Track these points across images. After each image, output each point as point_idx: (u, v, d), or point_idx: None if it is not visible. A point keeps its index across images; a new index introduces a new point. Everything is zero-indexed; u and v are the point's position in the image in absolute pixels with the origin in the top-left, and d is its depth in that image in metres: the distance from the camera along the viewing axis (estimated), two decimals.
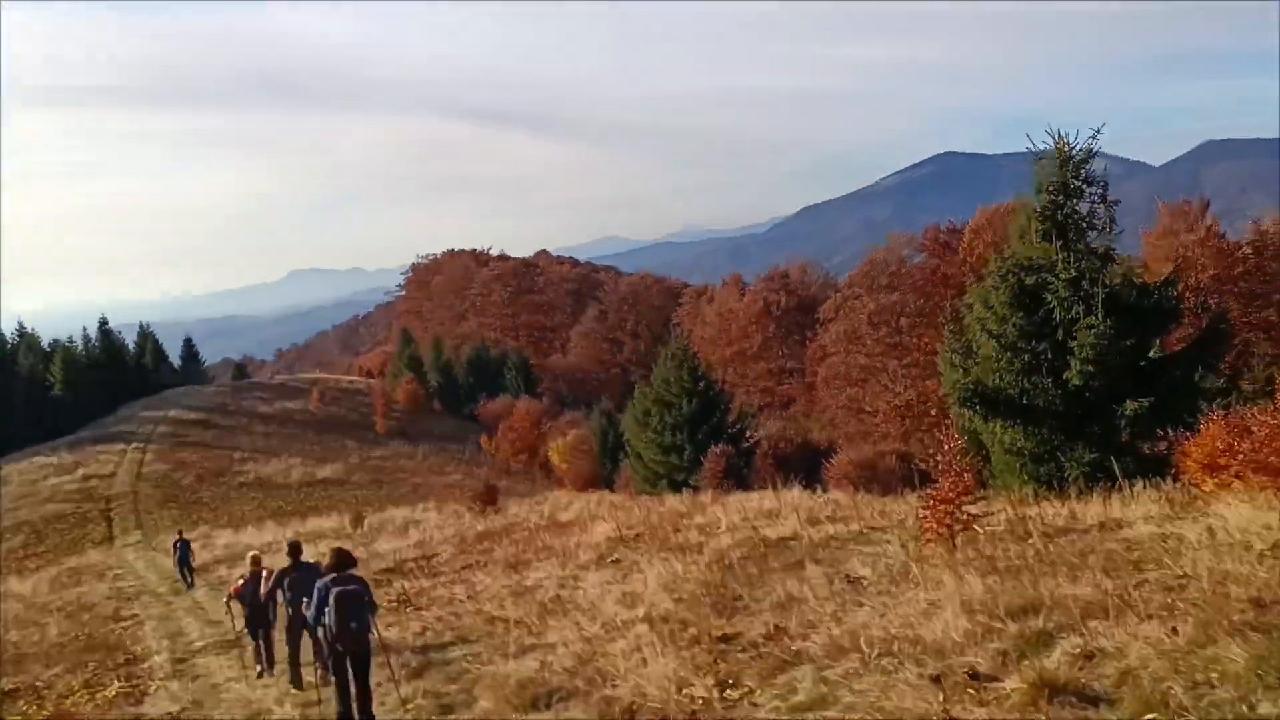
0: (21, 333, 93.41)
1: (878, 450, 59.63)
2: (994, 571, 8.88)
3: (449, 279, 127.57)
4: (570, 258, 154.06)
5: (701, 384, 45.19)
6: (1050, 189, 19.55)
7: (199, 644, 17.33)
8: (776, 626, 8.21)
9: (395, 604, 16.58)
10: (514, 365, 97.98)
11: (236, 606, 14.45)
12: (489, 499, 31.90)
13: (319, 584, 9.22)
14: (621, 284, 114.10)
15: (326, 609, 8.91)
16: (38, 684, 16.89)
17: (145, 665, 16.30)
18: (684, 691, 6.96)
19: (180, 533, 31.27)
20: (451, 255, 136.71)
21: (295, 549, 12.58)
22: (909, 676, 6.09)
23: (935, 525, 11.87)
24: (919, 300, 66.47)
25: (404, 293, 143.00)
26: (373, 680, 9.47)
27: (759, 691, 6.76)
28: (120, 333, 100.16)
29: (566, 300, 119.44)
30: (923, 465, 51.08)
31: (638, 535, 19.29)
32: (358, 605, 9.04)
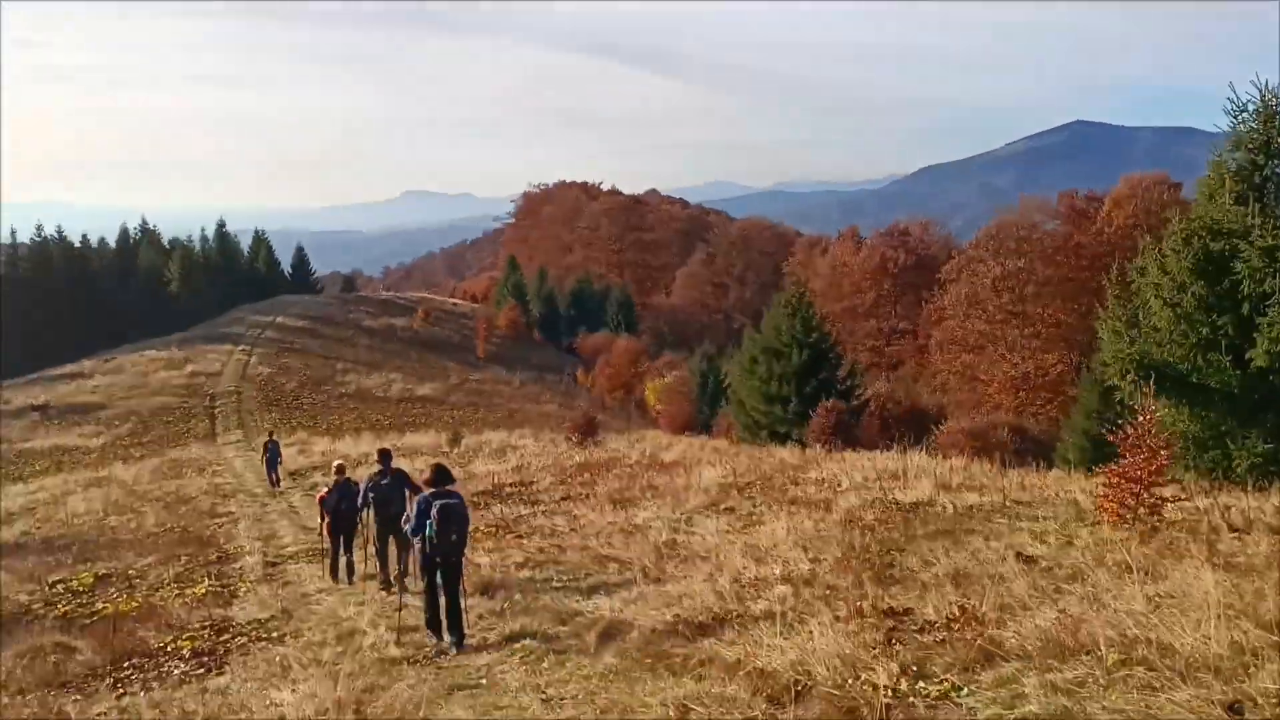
0: (144, 228, 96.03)
1: (989, 421, 56.82)
2: (1224, 567, 7.37)
3: (559, 210, 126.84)
4: (680, 199, 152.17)
5: (814, 335, 43.40)
6: (1250, 146, 17.32)
7: (291, 549, 16.76)
8: (962, 608, 6.87)
9: (494, 530, 15.69)
10: (616, 301, 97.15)
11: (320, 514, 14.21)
12: (588, 431, 30.99)
13: (420, 497, 9.39)
14: (732, 228, 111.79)
15: (428, 521, 9.04)
16: (130, 572, 16.57)
17: (237, 565, 15.77)
18: (862, 677, 5.70)
19: (270, 433, 31.44)
20: (563, 186, 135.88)
21: (385, 456, 12.77)
22: (1185, 699, 4.72)
23: (1116, 506, 10.30)
24: (1047, 269, 63.26)
25: (513, 220, 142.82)
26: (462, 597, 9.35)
27: (966, 690, 5.45)
28: (236, 236, 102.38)
29: (675, 240, 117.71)
30: (1040, 438, 48.59)
31: (749, 484, 18.04)
32: (459, 518, 9.23)
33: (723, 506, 15.26)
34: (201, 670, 8.90)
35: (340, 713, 6.63)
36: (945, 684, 5.52)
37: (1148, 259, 18.24)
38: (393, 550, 12.35)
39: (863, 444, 34.20)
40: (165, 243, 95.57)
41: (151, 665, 9.20)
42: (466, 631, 9.07)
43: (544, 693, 6.97)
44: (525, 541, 14.00)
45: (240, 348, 68.41)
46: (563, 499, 18.68)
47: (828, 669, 5.76)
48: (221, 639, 10.01)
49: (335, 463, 15.79)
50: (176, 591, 13.85)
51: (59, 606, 14.43)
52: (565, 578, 11.11)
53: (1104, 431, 12.21)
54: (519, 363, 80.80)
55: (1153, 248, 18.20)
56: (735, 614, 8.17)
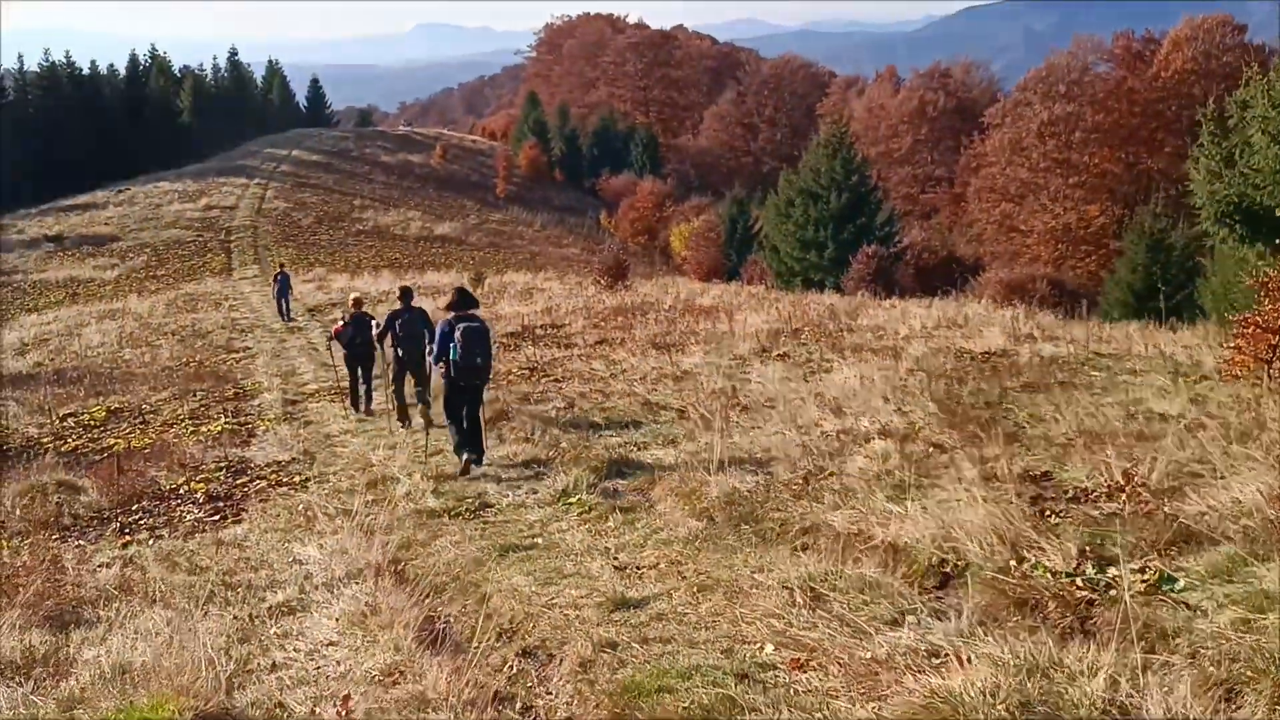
0: (154, 56, 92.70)
1: (1028, 273, 55.10)
2: None
3: (582, 44, 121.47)
4: (709, 36, 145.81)
5: (854, 178, 41.51)
6: None
7: (312, 386, 15.80)
8: (1126, 474, 5.72)
9: (527, 372, 14.62)
10: (641, 141, 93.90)
11: (336, 347, 13.99)
12: (618, 274, 29.66)
13: (443, 321, 9.08)
14: (764, 67, 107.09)
15: (452, 344, 8.81)
16: (144, 407, 15.71)
17: (255, 403, 14.83)
18: (1029, 559, 4.57)
19: (281, 265, 30.50)
20: (587, 19, 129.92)
21: (407, 293, 12.35)
22: None
23: (1249, 358, 9.03)
24: (1098, 115, 60.20)
25: (534, 54, 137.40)
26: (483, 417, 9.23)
27: (1181, 583, 4.30)
28: (250, 67, 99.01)
29: (703, 79, 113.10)
30: (1078, 291, 47.00)
31: (799, 329, 16.86)
32: (483, 339, 8.94)
33: (775, 353, 14.11)
34: (217, 517, 7.94)
35: (377, 576, 5.62)
36: (1149, 573, 4.39)
37: (1253, 90, 16.38)
38: (409, 387, 12.04)
39: (899, 293, 32.97)
40: (176, 71, 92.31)
41: (162, 509, 8.26)
42: (505, 475, 8.56)
43: (615, 559, 5.95)
44: (564, 386, 12.91)
45: (255, 181, 66.75)
46: (598, 343, 17.55)
47: (981, 546, 4.66)
48: (239, 482, 9.06)
49: (352, 295, 15.32)
50: (191, 429, 12.94)
51: (68, 440, 13.60)
52: (615, 425, 10.03)
53: (1246, 276, 10.83)
54: (540, 204, 78.87)
55: (1259, 77, 16.31)
56: (828, 472, 7.07)
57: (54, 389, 19.02)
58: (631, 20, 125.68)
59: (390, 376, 12.03)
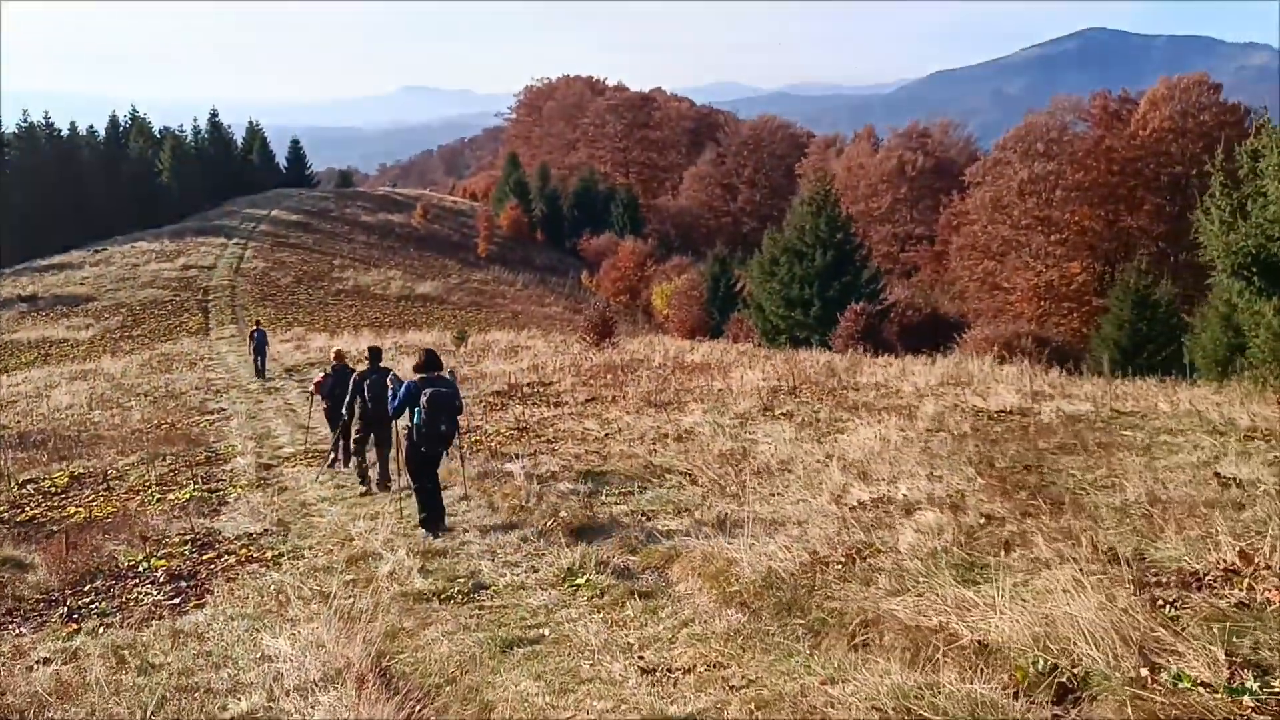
0: (134, 116, 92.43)
1: (1013, 330, 54.93)
2: None
3: (562, 106, 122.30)
4: (687, 98, 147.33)
5: (839, 235, 41.25)
6: None
7: (288, 450, 14.94)
8: (1243, 552, 4.94)
9: (517, 432, 13.84)
10: (622, 201, 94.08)
11: (317, 403, 14.08)
12: (604, 331, 29.03)
13: (409, 382, 8.75)
14: (743, 127, 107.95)
15: (418, 409, 8.48)
16: (110, 472, 14.81)
17: (227, 468, 13.95)
18: (1161, 667, 3.72)
19: (258, 322, 30.55)
20: (567, 81, 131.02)
21: (375, 353, 12.33)
22: None
23: None
24: (1077, 173, 60.53)
25: (514, 116, 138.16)
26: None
27: None
28: (230, 128, 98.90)
29: (683, 139, 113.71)
30: (1063, 349, 46.65)
31: (797, 387, 16.19)
32: (450, 407, 8.63)
33: (778, 411, 13.41)
34: (177, 599, 7.04)
35: (360, 683, 4.76)
36: None
37: (1264, 140, 16.01)
38: (373, 454, 11.60)
39: (886, 351, 32.46)
40: (156, 132, 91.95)
41: (118, 589, 7.37)
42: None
43: (641, 658, 5.11)
44: (557, 446, 12.14)
45: (234, 241, 66.17)
46: (589, 400, 16.82)
47: (1100, 649, 3.83)
48: (204, 558, 8.18)
49: (334, 349, 15.13)
50: (157, 496, 12.05)
51: (25, 509, 12.68)
52: (616, 491, 9.26)
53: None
54: (521, 263, 78.53)
55: (1271, 129, 15.97)
56: (873, 548, 6.30)
57: (16, 453, 18.06)
58: (611, 83, 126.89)
59: (352, 438, 11.74)
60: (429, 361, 8.91)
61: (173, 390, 25.27)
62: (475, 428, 14.65)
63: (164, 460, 15.15)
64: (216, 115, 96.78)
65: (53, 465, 16.02)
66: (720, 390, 16.46)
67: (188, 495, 11.68)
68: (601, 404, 16.29)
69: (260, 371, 26.25)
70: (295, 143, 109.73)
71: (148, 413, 21.65)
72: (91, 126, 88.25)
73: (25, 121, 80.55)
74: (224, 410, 20.88)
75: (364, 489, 11.14)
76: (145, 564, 7.92)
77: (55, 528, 11.25)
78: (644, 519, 8.05)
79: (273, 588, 6.75)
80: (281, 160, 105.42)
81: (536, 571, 6.89)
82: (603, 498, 9.00)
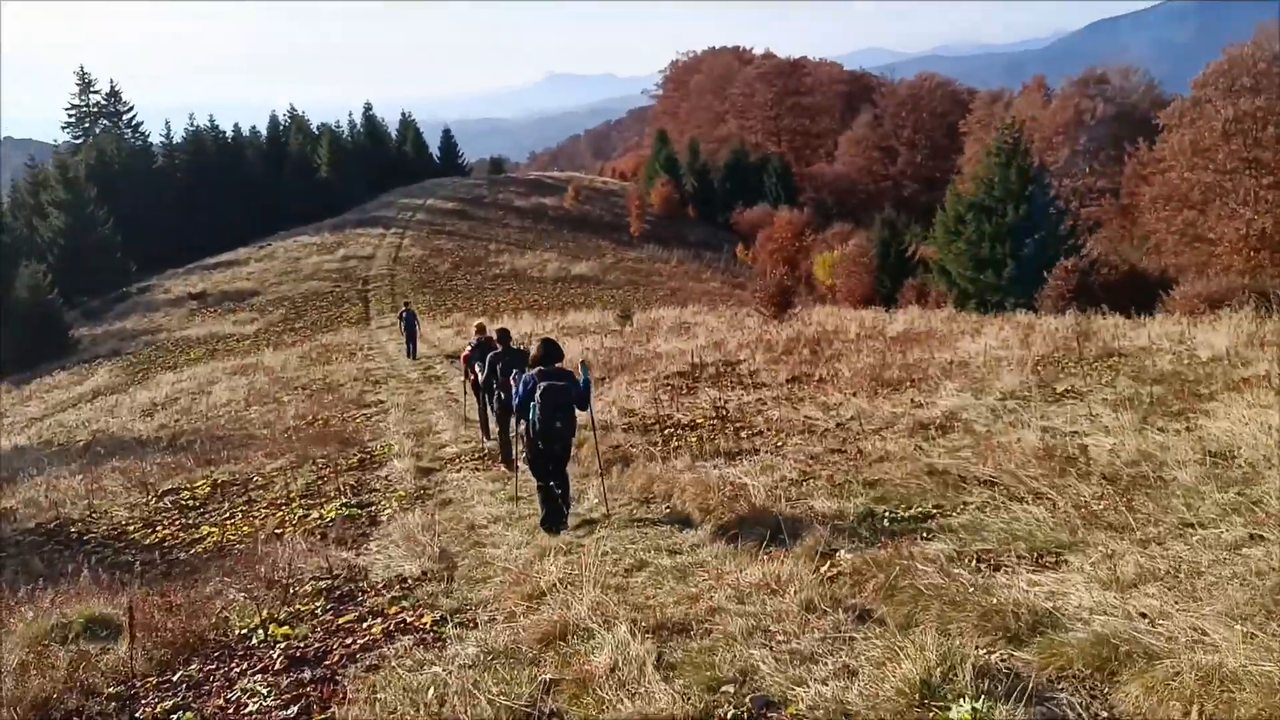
0: (293, 115, 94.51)
1: (1227, 285, 48.95)
2: None
3: (709, 78, 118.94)
4: (837, 64, 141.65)
5: (1031, 188, 37.08)
6: None
7: (451, 449, 12.82)
8: None
9: (717, 421, 11.29)
10: (775, 171, 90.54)
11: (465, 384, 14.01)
12: (783, 302, 26.18)
13: (525, 376, 8.17)
14: (900, 87, 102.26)
15: (532, 404, 7.91)
16: (255, 478, 13.07)
17: (382, 473, 11.94)
18: None
19: (407, 303, 30.00)
20: (713, 53, 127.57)
21: (504, 335, 11.92)
22: None
23: None
24: None
25: (660, 93, 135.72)
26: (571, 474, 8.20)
27: None
28: (384, 121, 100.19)
29: (835, 104, 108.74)
30: None
31: (1063, 357, 12.99)
32: (564, 404, 7.94)
33: (1060, 388, 10.36)
34: (292, 710, 4.73)
35: None
36: None
37: None
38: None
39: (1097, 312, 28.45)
40: (313, 129, 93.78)
41: (217, 681, 5.18)
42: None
43: None
44: (781, 442, 9.49)
45: (392, 231, 66.24)
46: (791, 380, 14.10)
47: None
48: (341, 622, 5.89)
49: (477, 321, 14.90)
50: (300, 512, 10.06)
51: (158, 529, 10.94)
52: (901, 514, 6.51)
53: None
54: (674, 240, 76.19)
55: None
56: None
57: (165, 458, 16.73)
58: (758, 53, 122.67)
59: (496, 420, 11.42)
60: (546, 353, 8.13)
61: (330, 382, 23.90)
62: (664, 417, 12.19)
63: (313, 464, 13.32)
64: (371, 109, 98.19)
65: (197, 472, 14.45)
66: (954, 364, 13.47)
67: (333, 513, 9.62)
68: (809, 385, 13.56)
69: (411, 353, 26.19)
70: (447, 133, 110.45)
71: (303, 408, 20.14)
72: (254, 127, 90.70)
73: (193, 126, 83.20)
74: (382, 403, 19.14)
75: (508, 471, 10.43)
76: (262, 631, 5.73)
77: (181, 554, 9.36)
78: (986, 568, 5.28)
79: (431, 693, 4.37)
80: (434, 151, 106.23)
81: (856, 678, 4.17)
82: (884, 523, 6.29)
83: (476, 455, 12.03)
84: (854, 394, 11.80)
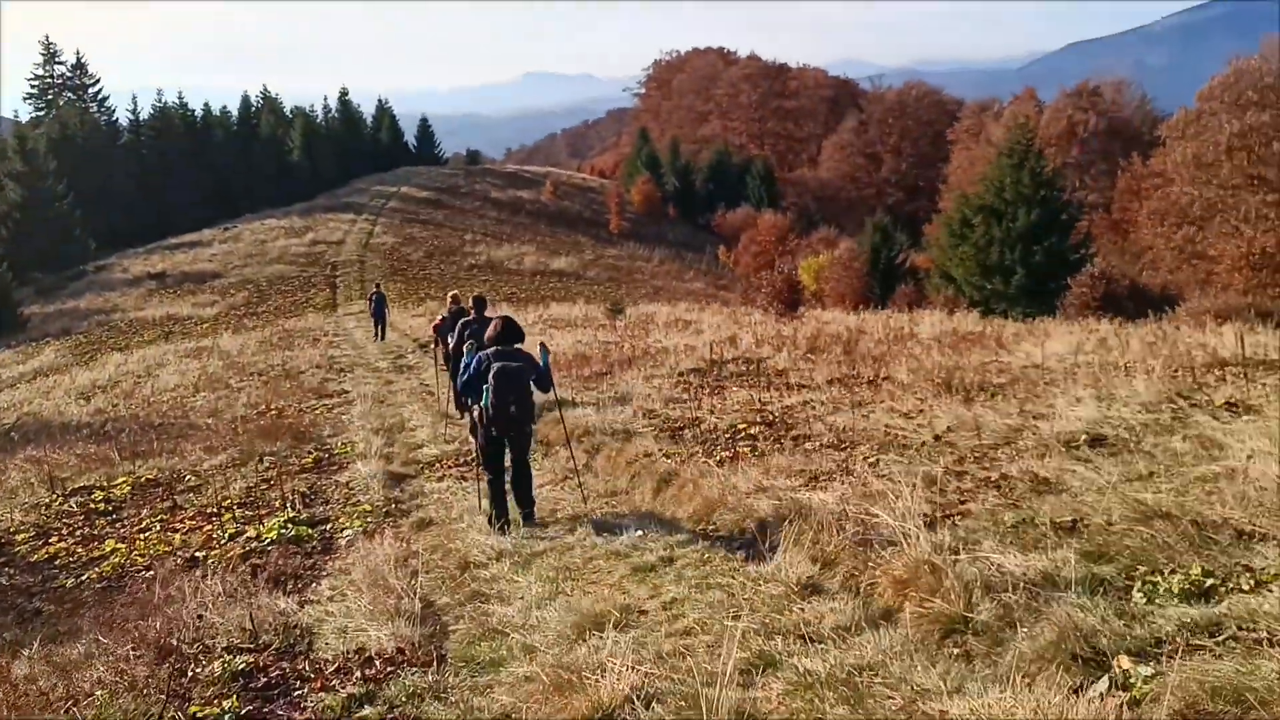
0: (265, 97, 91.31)
1: (1232, 303, 47.44)
2: None
3: (692, 78, 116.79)
4: (821, 69, 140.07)
5: (1044, 192, 35.16)
6: None
7: (429, 450, 10.50)
8: None
9: (764, 428, 9.06)
10: (758, 174, 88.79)
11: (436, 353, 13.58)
12: (791, 301, 24.00)
13: (479, 355, 7.38)
14: (887, 94, 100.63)
15: (485, 386, 7.08)
16: (189, 477, 10.69)
17: (343, 477, 9.58)
18: None
19: (378, 285, 28.69)
20: (697, 53, 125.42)
21: (480, 303, 11.30)
22: None
23: None
24: None
25: (642, 91, 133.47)
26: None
27: None
28: (359, 107, 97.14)
29: (820, 109, 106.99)
30: None
31: (1194, 365, 10.83)
32: (520, 386, 7.07)
33: (1219, 400, 8.17)
34: None
35: None
36: None
37: None
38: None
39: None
40: (286, 112, 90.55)
41: None
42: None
43: None
44: (876, 460, 7.27)
45: (364, 217, 63.67)
46: (832, 382, 11.88)
47: None
48: None
49: (451, 293, 14.30)
50: (233, 529, 7.70)
51: (52, 541, 8.54)
52: (1137, 576, 4.24)
53: None
54: (654, 239, 74.11)
55: None
56: None
57: (90, 446, 14.25)
58: (743, 55, 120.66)
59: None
60: (504, 333, 7.37)
61: (290, 369, 21.40)
62: (694, 419, 9.93)
63: (261, 462, 10.94)
64: (346, 94, 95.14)
65: (121, 466, 12.01)
66: (1036, 368, 11.36)
67: (275, 531, 7.26)
68: (857, 387, 11.35)
69: (380, 335, 25.87)
70: (424, 121, 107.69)
71: (256, 395, 17.67)
72: (225, 107, 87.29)
73: (160, 102, 79.75)
74: (346, 393, 16.74)
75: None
76: None
77: (68, 581, 7.00)
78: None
79: None
80: (410, 139, 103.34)
81: None
82: (1135, 600, 3.98)
83: (463, 459, 9.70)
84: (930, 400, 9.59)
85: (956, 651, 3.71)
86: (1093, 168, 75.87)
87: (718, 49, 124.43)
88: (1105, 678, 3.22)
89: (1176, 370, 9.76)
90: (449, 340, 12.02)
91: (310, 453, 11.21)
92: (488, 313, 10.75)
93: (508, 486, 7.29)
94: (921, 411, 9.00)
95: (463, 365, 7.56)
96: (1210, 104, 56.62)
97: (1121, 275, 50.23)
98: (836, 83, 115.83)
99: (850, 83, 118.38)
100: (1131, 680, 3.16)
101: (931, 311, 24.92)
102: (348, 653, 4.47)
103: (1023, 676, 3.29)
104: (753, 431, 9.13)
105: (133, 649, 4.53)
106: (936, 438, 7.78)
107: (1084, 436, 7.03)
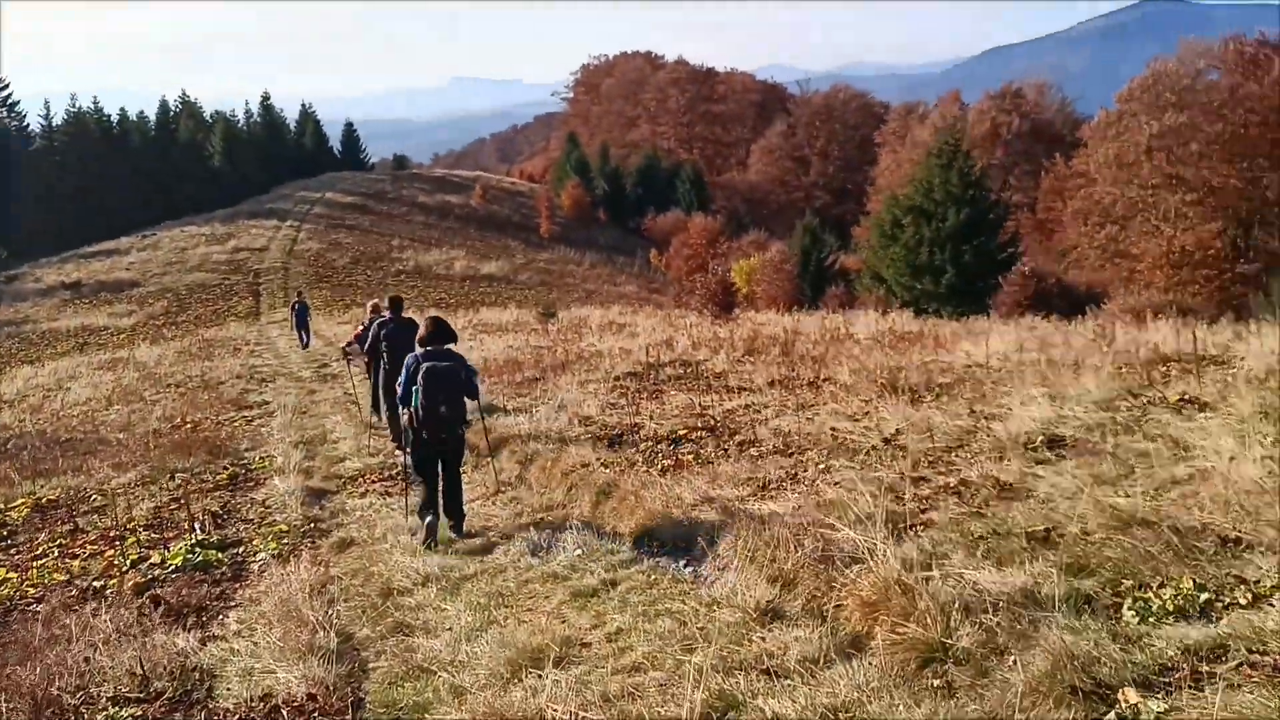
0: (184, 101, 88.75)
1: (1155, 301, 48.61)
2: None
3: (620, 82, 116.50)
4: (749, 74, 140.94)
5: (972, 192, 35.49)
6: None
7: (352, 464, 9.93)
8: None
9: (704, 434, 8.69)
10: (687, 178, 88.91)
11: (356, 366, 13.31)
12: (726, 303, 23.75)
13: (408, 358, 7.20)
14: (814, 98, 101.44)
15: (415, 388, 6.95)
16: (94, 497, 9.97)
17: (259, 494, 8.98)
18: None
19: (299, 293, 28.58)
20: (625, 57, 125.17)
21: (396, 304, 10.81)
22: None
23: None
24: (1213, 125, 53.75)
25: (570, 95, 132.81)
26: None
27: None
28: (282, 111, 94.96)
29: (748, 113, 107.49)
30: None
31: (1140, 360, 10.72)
32: (450, 385, 6.96)
33: (1173, 397, 8.00)
34: None
35: None
36: None
37: None
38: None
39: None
40: (206, 116, 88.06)
41: None
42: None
43: None
44: (787, 463, 6.93)
45: (288, 223, 62.10)
46: (773, 384, 11.57)
47: None
48: None
49: (371, 301, 13.42)
50: (135, 555, 7.08)
51: None
52: (1124, 592, 3.91)
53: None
54: (585, 243, 73.64)
55: None
56: None
57: None
58: (671, 58, 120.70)
59: (380, 393, 10.72)
60: (434, 332, 7.24)
61: (209, 380, 20.53)
62: (634, 426, 9.52)
63: (172, 479, 10.26)
64: (269, 99, 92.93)
65: (21, 486, 11.21)
66: (979, 367, 11.17)
67: (180, 556, 6.67)
68: (799, 389, 11.05)
69: (304, 344, 25.45)
70: (349, 126, 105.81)
71: (172, 408, 16.83)
72: (142, 112, 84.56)
73: (74, 107, 76.93)
74: (266, 404, 16.02)
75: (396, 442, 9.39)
76: None
77: None
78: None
79: None
80: (335, 145, 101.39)
81: None
82: (1126, 619, 3.62)
83: (386, 473, 9.16)
84: (875, 401, 9.31)
85: (938, 684, 3.35)
86: (1017, 168, 77.21)
87: (645, 53, 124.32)
88: (1112, 714, 2.88)
89: (1122, 367, 9.61)
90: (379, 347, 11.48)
91: (226, 468, 10.56)
92: (411, 316, 10.40)
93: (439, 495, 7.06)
94: (868, 414, 8.70)
95: (400, 378, 7.29)
96: (1130, 105, 57.92)
97: (1049, 274, 51.27)
98: (764, 87, 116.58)
99: (778, 87, 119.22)
100: (1142, 717, 2.83)
101: (865, 312, 24.86)
102: (251, 700, 3.97)
103: (1019, 714, 2.93)
104: (695, 437, 8.76)
105: (4, 701, 3.97)
106: (886, 440, 7.48)
107: (1040, 437, 6.77)
